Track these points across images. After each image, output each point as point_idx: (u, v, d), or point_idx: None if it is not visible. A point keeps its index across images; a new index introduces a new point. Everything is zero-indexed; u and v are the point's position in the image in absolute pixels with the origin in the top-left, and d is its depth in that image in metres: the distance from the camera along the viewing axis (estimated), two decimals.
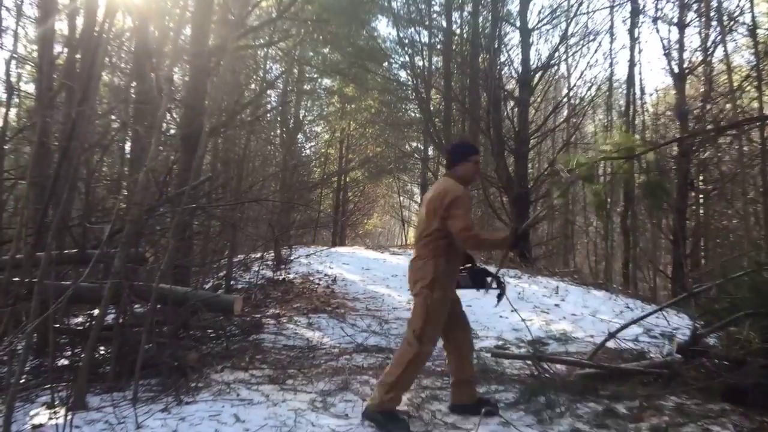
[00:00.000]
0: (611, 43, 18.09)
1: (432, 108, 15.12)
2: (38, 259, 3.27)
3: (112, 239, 4.04)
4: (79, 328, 4.27)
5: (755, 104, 10.13)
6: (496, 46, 12.65)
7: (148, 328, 3.44)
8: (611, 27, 14.01)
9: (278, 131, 16.49)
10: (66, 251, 4.31)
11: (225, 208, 6.69)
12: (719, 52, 11.42)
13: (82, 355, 3.23)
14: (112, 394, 3.22)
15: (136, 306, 4.11)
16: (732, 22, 10.71)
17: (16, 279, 3.56)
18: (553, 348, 5.10)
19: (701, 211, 13.21)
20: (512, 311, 6.53)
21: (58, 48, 5.67)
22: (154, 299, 3.58)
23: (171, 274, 4.24)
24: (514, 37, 14.24)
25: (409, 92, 16.14)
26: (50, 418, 2.86)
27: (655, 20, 12.42)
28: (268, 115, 14.53)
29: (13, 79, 5.43)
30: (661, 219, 13.77)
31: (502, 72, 13.49)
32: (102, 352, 4.01)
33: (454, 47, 14.71)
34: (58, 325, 3.75)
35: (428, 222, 2.99)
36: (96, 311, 3.69)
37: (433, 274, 2.92)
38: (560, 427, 3.02)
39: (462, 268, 3.22)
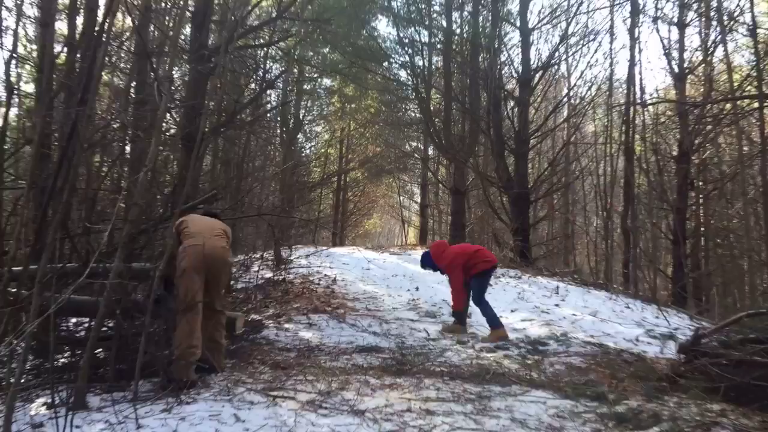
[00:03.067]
0: (611, 43, 17.99)
1: (432, 108, 15.11)
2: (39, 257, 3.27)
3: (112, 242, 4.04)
4: (78, 328, 4.26)
5: (755, 104, 10.12)
6: (496, 46, 12.64)
7: (147, 329, 3.44)
8: (611, 27, 13.94)
9: (278, 131, 16.49)
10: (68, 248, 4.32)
11: (225, 209, 6.69)
12: (719, 52, 11.42)
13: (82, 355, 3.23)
14: (112, 394, 3.22)
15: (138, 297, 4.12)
16: (732, 22, 10.69)
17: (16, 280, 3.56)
18: (553, 348, 5.10)
19: (701, 211, 13.20)
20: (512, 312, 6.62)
21: (58, 48, 5.66)
22: (152, 300, 3.58)
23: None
24: (514, 37, 14.21)
25: (409, 92, 16.13)
26: (50, 418, 2.85)
27: (655, 20, 12.41)
28: (268, 115, 14.53)
29: (13, 79, 5.43)
30: (661, 219, 13.78)
31: (502, 72, 13.48)
32: (102, 351, 4.01)
33: (454, 47, 14.70)
34: (59, 330, 3.75)
35: None
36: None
37: None
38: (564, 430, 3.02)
39: None
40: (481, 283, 5.83)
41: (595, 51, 25.06)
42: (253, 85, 11.72)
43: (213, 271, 3.85)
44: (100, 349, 3.94)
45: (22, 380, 3.18)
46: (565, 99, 14.59)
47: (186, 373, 3.54)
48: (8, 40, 6.58)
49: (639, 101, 12.73)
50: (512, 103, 13.34)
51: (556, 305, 7.21)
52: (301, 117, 17.62)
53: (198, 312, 3.73)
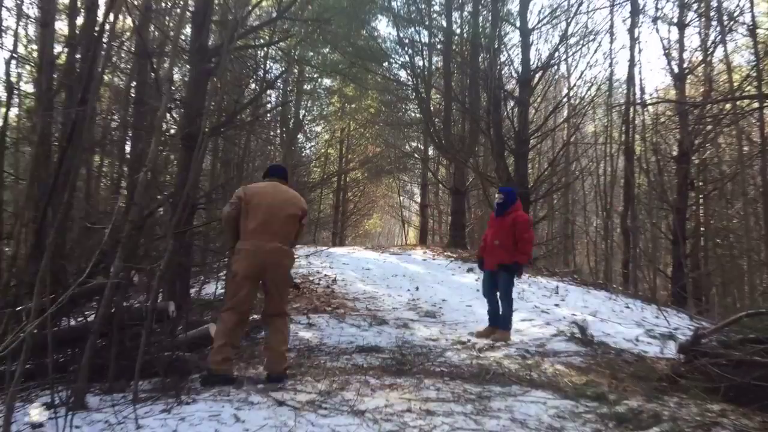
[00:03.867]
0: (611, 43, 18.03)
1: (432, 108, 15.11)
2: (39, 257, 3.27)
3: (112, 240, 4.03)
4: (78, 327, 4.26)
5: (755, 104, 10.12)
6: (496, 46, 12.63)
7: (147, 329, 3.44)
8: (611, 27, 13.97)
9: (278, 131, 16.50)
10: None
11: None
12: (719, 52, 11.43)
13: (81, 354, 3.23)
14: (112, 394, 3.22)
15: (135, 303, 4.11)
16: (732, 22, 10.70)
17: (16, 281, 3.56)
18: (554, 348, 5.10)
19: (701, 211, 13.20)
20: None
21: (58, 48, 5.66)
22: (153, 299, 3.58)
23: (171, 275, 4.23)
24: (514, 37, 14.21)
25: (409, 92, 16.14)
26: (50, 418, 2.85)
27: (655, 20, 12.42)
28: (268, 115, 14.52)
29: (13, 79, 5.43)
30: (661, 219, 13.79)
31: (502, 72, 13.47)
32: (102, 351, 4.01)
33: (454, 47, 14.71)
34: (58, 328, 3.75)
35: None
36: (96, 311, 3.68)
37: None
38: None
39: None
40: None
41: (595, 51, 25.11)
42: (253, 85, 11.72)
43: (269, 276, 3.77)
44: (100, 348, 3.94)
45: (22, 380, 3.17)
46: (565, 99, 14.59)
47: (222, 369, 3.58)
48: (8, 40, 6.59)
49: (639, 101, 12.74)
50: (512, 103, 13.33)
51: (556, 305, 7.22)
52: (301, 117, 17.64)
53: (237, 313, 3.70)
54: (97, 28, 4.61)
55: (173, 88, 8.26)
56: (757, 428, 2.97)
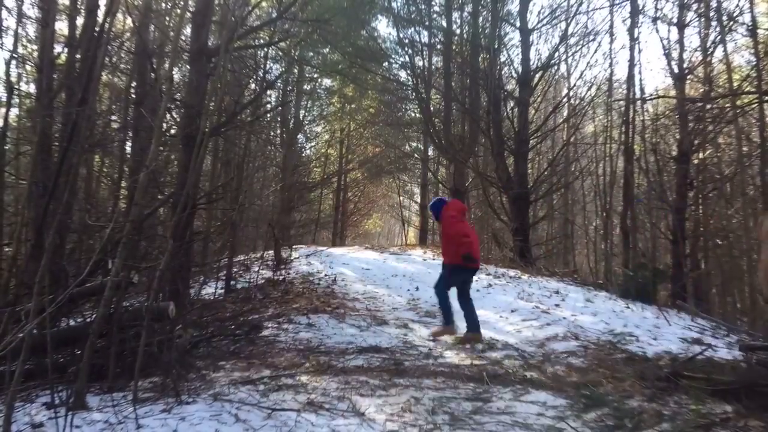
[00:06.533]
0: (611, 43, 17.96)
1: (432, 108, 15.11)
2: (40, 257, 3.27)
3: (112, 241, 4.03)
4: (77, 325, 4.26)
5: (755, 102, 10.11)
6: (496, 46, 12.64)
7: (147, 328, 3.44)
8: (611, 27, 13.92)
9: (278, 131, 16.49)
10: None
11: (225, 209, 6.70)
12: (719, 52, 11.41)
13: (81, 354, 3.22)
14: (112, 394, 3.22)
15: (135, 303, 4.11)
16: (732, 22, 10.69)
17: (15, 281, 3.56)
18: (554, 348, 5.10)
19: (701, 211, 13.19)
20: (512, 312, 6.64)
21: (58, 48, 5.66)
22: (153, 299, 3.58)
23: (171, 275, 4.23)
24: (514, 37, 14.21)
25: (409, 92, 16.14)
26: (50, 418, 2.85)
27: (654, 20, 12.39)
28: (268, 115, 14.51)
29: (13, 79, 5.43)
30: (660, 219, 13.77)
31: (502, 72, 13.48)
32: (102, 351, 4.00)
33: (454, 47, 14.70)
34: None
35: None
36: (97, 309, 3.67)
37: None
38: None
39: None
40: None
41: (595, 51, 24.82)
42: (253, 85, 11.73)
43: None
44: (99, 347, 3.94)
45: (22, 380, 3.18)
46: (565, 99, 14.59)
47: None
48: (8, 40, 6.58)
49: (639, 99, 12.73)
50: (512, 103, 13.33)
51: (556, 305, 7.21)
52: (301, 117, 17.62)
53: None
54: (97, 29, 4.61)
55: (173, 88, 8.25)
56: (758, 429, 2.96)
